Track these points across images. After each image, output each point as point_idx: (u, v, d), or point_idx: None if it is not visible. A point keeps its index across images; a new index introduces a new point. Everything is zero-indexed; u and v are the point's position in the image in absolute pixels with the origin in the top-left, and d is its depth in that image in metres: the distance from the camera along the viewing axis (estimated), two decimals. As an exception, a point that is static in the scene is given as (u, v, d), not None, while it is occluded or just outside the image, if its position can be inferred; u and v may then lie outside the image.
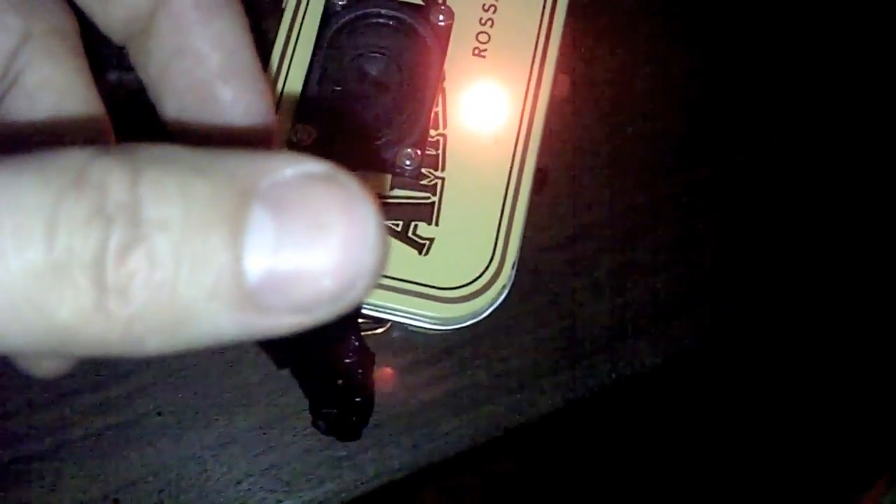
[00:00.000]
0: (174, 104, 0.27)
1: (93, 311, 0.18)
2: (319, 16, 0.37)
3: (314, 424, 0.35)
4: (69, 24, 0.27)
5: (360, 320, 0.36)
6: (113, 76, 0.37)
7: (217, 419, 0.37)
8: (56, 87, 0.26)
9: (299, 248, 0.18)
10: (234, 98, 0.27)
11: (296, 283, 0.18)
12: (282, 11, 0.37)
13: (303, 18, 0.37)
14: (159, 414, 0.37)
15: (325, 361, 0.30)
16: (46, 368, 0.27)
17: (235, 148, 0.27)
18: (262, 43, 0.37)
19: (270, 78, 0.36)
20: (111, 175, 0.18)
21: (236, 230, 0.18)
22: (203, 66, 0.26)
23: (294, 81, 0.36)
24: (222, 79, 0.26)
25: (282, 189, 0.18)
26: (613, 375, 0.38)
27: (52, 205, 0.17)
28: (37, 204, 0.17)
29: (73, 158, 0.18)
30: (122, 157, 0.18)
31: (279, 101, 0.36)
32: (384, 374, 0.37)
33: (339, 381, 0.31)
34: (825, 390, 0.38)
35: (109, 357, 0.18)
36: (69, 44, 0.27)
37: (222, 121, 0.27)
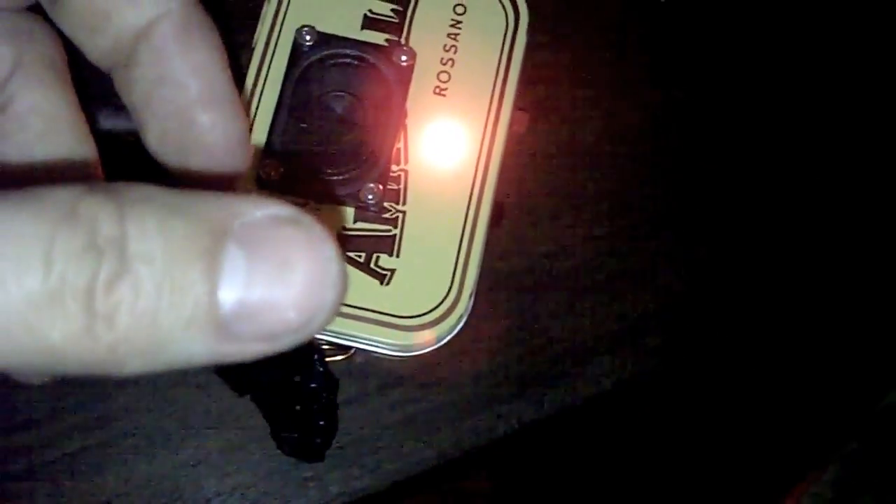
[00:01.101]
0: (156, 128, 0.28)
1: (82, 334, 0.19)
2: (287, 55, 0.39)
3: (279, 447, 0.37)
4: (57, 54, 0.29)
5: (325, 347, 0.37)
6: (107, 124, 0.39)
7: (188, 441, 0.38)
8: (45, 112, 0.28)
9: (267, 283, 0.20)
10: (213, 123, 0.28)
11: (263, 315, 0.20)
12: (251, 50, 0.39)
13: (272, 57, 0.39)
14: (133, 435, 0.38)
15: (285, 388, 0.31)
16: (35, 378, 0.29)
17: (212, 181, 0.29)
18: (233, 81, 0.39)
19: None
20: (101, 211, 0.19)
21: (212, 265, 0.20)
22: (183, 94, 0.28)
23: (262, 119, 0.38)
24: (201, 105, 0.28)
25: (252, 229, 0.20)
26: (569, 399, 0.39)
27: (48, 237, 0.19)
28: (35, 235, 0.19)
29: (66, 194, 0.20)
30: (109, 194, 0.20)
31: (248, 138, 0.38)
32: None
33: (297, 407, 0.33)
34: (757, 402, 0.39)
35: (91, 376, 0.20)
36: (57, 72, 0.29)
37: (202, 144, 0.28)
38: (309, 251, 0.20)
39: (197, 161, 0.29)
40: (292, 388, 0.32)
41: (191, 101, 0.28)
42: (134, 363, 0.20)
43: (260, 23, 0.39)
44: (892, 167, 0.43)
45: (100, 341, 0.19)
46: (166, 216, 0.20)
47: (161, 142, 0.29)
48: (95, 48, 0.29)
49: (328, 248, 0.21)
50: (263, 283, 0.20)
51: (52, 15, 0.29)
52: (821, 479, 0.32)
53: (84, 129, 0.29)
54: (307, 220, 0.21)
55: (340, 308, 0.36)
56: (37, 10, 0.29)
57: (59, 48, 0.30)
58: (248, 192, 0.35)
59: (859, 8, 0.44)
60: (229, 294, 0.20)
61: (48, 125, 0.28)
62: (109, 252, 0.19)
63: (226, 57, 0.29)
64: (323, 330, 0.35)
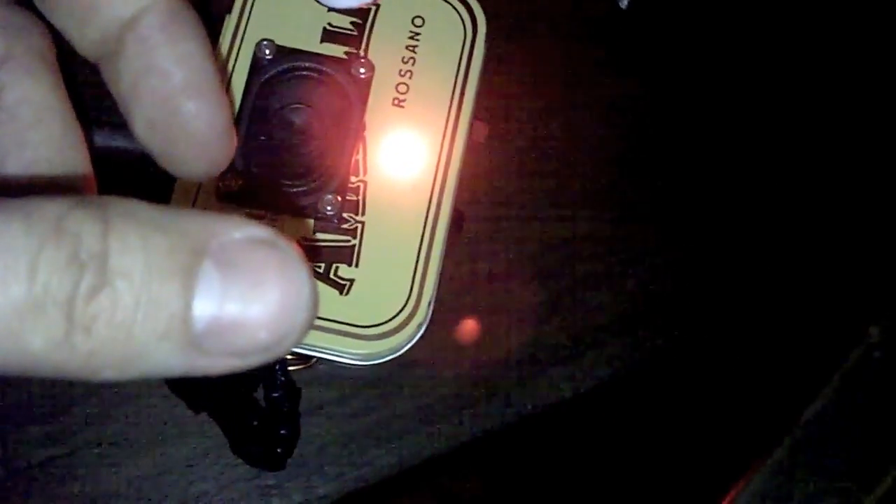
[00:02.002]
0: (142, 117, 0.29)
1: (61, 342, 0.20)
2: (247, 69, 0.39)
3: (241, 457, 0.37)
4: (46, 46, 0.30)
5: (286, 357, 0.38)
6: (104, 142, 0.39)
7: (153, 450, 0.39)
8: (35, 103, 0.29)
9: (240, 302, 0.21)
10: (198, 111, 0.29)
11: (235, 332, 0.21)
12: (213, 64, 0.39)
13: (232, 71, 0.39)
14: (99, 445, 0.39)
15: (240, 403, 0.32)
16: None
17: (199, 169, 0.30)
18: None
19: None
20: (85, 226, 0.20)
21: (188, 282, 0.21)
22: (168, 83, 0.29)
23: (223, 131, 0.38)
24: (186, 94, 0.29)
25: (229, 249, 0.21)
26: (529, 406, 0.40)
27: (35, 249, 0.20)
28: (22, 247, 0.20)
29: (54, 208, 0.20)
30: (94, 210, 0.21)
31: (209, 150, 0.38)
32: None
33: (255, 423, 0.33)
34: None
35: (65, 380, 0.21)
36: (47, 64, 0.30)
37: (187, 131, 0.29)
38: (282, 274, 0.21)
39: (183, 149, 0.30)
40: (248, 403, 0.32)
41: (176, 90, 0.29)
42: (108, 371, 0.21)
43: (221, 36, 0.40)
44: (877, 162, 0.43)
45: (77, 349, 0.20)
46: (148, 232, 0.21)
47: (148, 130, 0.29)
48: (84, 39, 0.29)
49: (302, 272, 0.21)
50: (236, 302, 0.21)
51: (41, 7, 0.29)
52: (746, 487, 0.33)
53: (72, 118, 0.30)
54: (283, 243, 0.22)
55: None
56: (26, 4, 0.30)
57: (48, 41, 0.30)
58: (228, 212, 0.36)
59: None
60: (203, 311, 0.21)
61: (38, 115, 0.29)
62: (91, 266, 0.20)
63: (210, 47, 0.30)
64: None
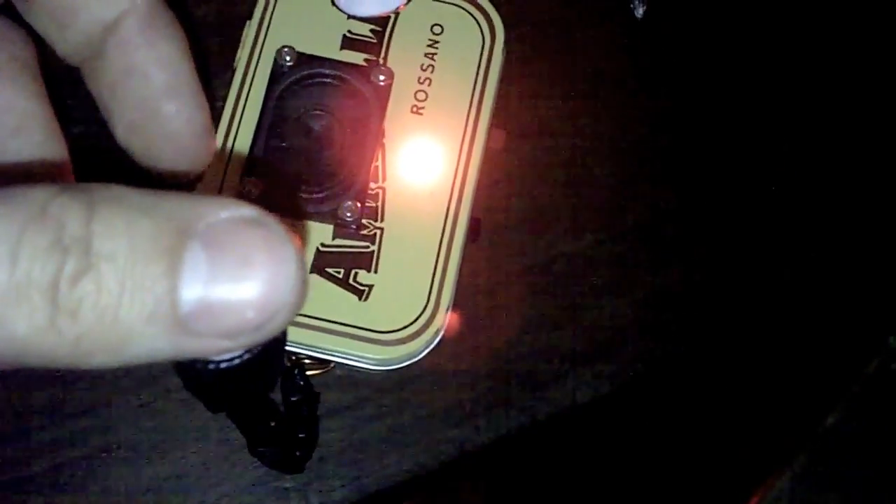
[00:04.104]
0: (123, 118, 0.30)
1: (46, 328, 0.20)
2: (268, 75, 0.40)
3: (259, 459, 0.38)
4: (29, 53, 0.31)
5: (305, 361, 0.38)
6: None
7: (173, 453, 0.39)
8: (18, 109, 0.29)
9: (228, 282, 0.21)
10: (177, 112, 0.30)
11: (223, 313, 0.21)
12: (233, 71, 0.40)
13: (252, 78, 0.40)
14: (119, 448, 0.39)
15: (259, 405, 0.32)
16: None
17: (179, 169, 0.30)
18: (213, 100, 0.40)
19: (221, 134, 0.38)
20: (69, 212, 0.20)
21: (174, 264, 0.21)
22: (148, 84, 0.29)
23: (243, 138, 0.39)
24: (166, 95, 0.29)
25: (215, 230, 0.21)
26: (545, 412, 0.40)
27: (17, 234, 0.20)
28: (3, 232, 0.20)
29: (38, 195, 0.21)
30: (80, 196, 0.21)
31: (230, 156, 0.38)
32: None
33: (273, 423, 0.33)
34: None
35: (59, 368, 0.22)
36: (30, 71, 0.30)
37: (166, 132, 0.30)
38: (270, 252, 0.21)
39: (162, 150, 0.30)
40: (266, 405, 0.32)
41: (156, 92, 0.29)
42: (98, 357, 0.21)
43: (241, 44, 0.40)
44: (881, 170, 0.43)
45: (64, 335, 0.20)
46: (133, 216, 0.21)
47: (128, 132, 0.30)
48: (65, 43, 0.30)
49: (289, 250, 0.21)
50: (223, 282, 0.21)
51: (23, 13, 0.30)
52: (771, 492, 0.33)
53: (56, 126, 0.30)
54: (270, 221, 0.21)
55: (320, 323, 0.37)
56: (7, 11, 0.30)
57: (30, 49, 0.31)
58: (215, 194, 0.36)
59: (839, 14, 0.45)
60: (190, 292, 0.21)
61: (21, 122, 0.29)
62: (74, 250, 0.20)
63: (188, 49, 0.30)
64: (292, 339, 0.36)
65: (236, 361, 0.23)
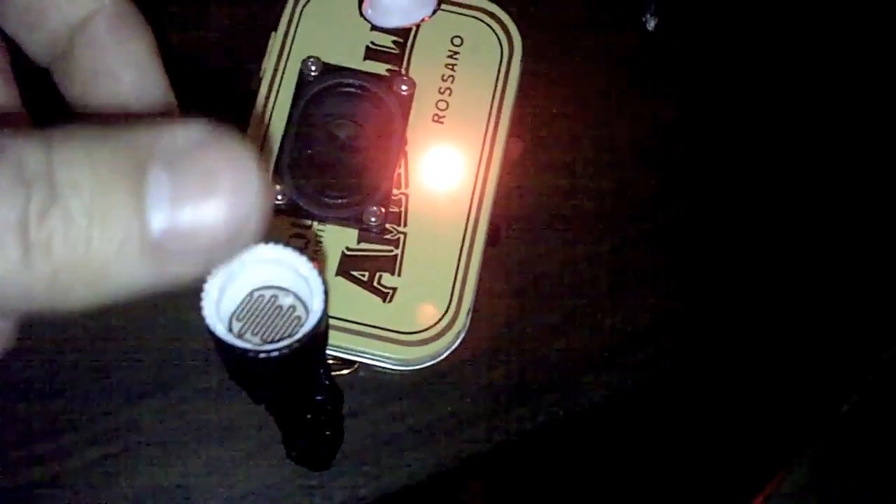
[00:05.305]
0: (94, 118, 0.30)
1: (20, 266, 0.20)
2: (294, 84, 0.41)
3: (288, 455, 0.39)
4: (1, 55, 0.31)
5: (330, 362, 0.39)
6: None
7: (200, 450, 0.40)
8: None
9: (193, 199, 0.21)
10: (147, 111, 0.30)
11: (193, 232, 0.21)
12: (259, 80, 0.41)
13: (279, 87, 0.41)
14: (148, 445, 0.40)
15: (297, 398, 0.33)
16: None
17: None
18: (243, 108, 0.41)
19: (250, 140, 0.40)
20: (27, 149, 0.20)
21: (138, 189, 0.21)
22: (118, 84, 0.30)
23: (271, 145, 0.40)
24: (136, 95, 0.30)
25: (175, 150, 0.21)
26: (562, 412, 0.41)
27: None
28: None
29: None
30: (36, 134, 0.21)
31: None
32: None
33: (308, 416, 0.34)
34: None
35: (40, 312, 0.21)
36: (3, 75, 0.31)
37: None
38: (231, 165, 0.21)
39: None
40: (304, 399, 0.33)
41: (125, 91, 0.29)
42: (77, 292, 0.21)
43: (267, 54, 0.42)
44: (878, 180, 0.45)
45: (38, 271, 0.20)
46: (92, 146, 0.21)
47: None
48: (34, 44, 0.30)
49: (249, 161, 0.21)
50: (189, 200, 0.21)
51: None
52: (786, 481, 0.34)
53: (10, 76, 0.30)
54: (227, 136, 0.21)
55: (346, 324, 0.38)
56: None
57: (2, 51, 0.31)
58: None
59: (849, 31, 0.46)
60: (157, 215, 0.21)
61: None
62: (37, 184, 0.20)
63: (157, 49, 0.30)
64: (328, 340, 0.37)
65: (285, 351, 0.24)
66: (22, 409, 0.40)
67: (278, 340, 0.25)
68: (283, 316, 0.26)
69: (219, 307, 0.25)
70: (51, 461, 0.40)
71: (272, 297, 0.26)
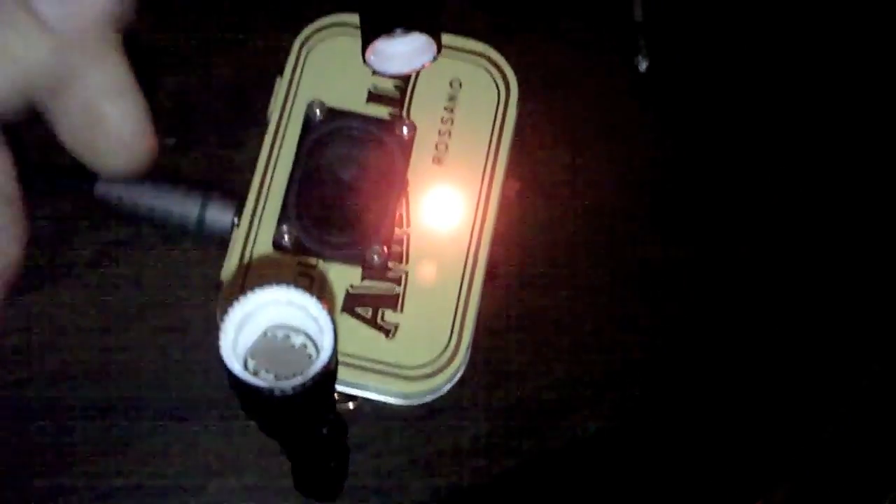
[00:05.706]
0: (66, 124, 0.30)
1: None
2: (299, 127, 0.42)
3: (296, 487, 0.40)
4: None
5: (335, 395, 0.41)
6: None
7: (211, 482, 0.42)
8: None
9: None
10: (118, 113, 0.30)
11: None
12: (266, 123, 0.43)
13: (285, 130, 0.42)
14: (162, 477, 0.42)
15: (305, 430, 0.35)
16: None
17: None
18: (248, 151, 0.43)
19: (257, 182, 0.41)
20: None
21: None
22: (88, 87, 0.30)
23: (277, 186, 0.41)
24: (106, 97, 0.30)
25: None
26: (560, 443, 0.43)
27: None
28: None
29: None
30: None
31: (265, 203, 0.41)
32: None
33: (314, 448, 0.36)
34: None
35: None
36: None
37: (109, 133, 0.30)
38: None
39: (104, 149, 0.31)
40: (312, 432, 0.35)
41: (96, 94, 0.30)
42: None
43: (273, 97, 0.43)
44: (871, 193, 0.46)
45: None
46: None
47: (72, 136, 0.31)
48: None
49: None
50: None
51: None
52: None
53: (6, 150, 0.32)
54: None
55: (350, 360, 0.39)
56: None
57: None
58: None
59: (840, 67, 0.48)
60: None
61: None
62: None
63: (125, 50, 0.31)
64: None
65: (298, 388, 0.26)
66: (27, 442, 0.42)
67: (290, 377, 0.26)
68: (295, 354, 0.27)
69: (235, 346, 0.26)
70: (68, 494, 0.41)
71: (285, 336, 0.28)
